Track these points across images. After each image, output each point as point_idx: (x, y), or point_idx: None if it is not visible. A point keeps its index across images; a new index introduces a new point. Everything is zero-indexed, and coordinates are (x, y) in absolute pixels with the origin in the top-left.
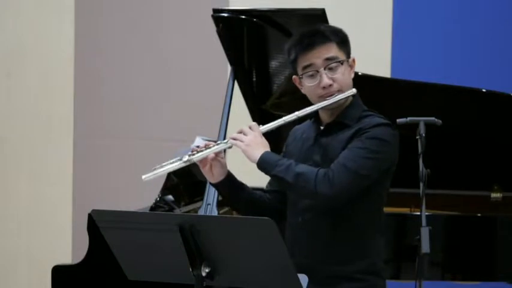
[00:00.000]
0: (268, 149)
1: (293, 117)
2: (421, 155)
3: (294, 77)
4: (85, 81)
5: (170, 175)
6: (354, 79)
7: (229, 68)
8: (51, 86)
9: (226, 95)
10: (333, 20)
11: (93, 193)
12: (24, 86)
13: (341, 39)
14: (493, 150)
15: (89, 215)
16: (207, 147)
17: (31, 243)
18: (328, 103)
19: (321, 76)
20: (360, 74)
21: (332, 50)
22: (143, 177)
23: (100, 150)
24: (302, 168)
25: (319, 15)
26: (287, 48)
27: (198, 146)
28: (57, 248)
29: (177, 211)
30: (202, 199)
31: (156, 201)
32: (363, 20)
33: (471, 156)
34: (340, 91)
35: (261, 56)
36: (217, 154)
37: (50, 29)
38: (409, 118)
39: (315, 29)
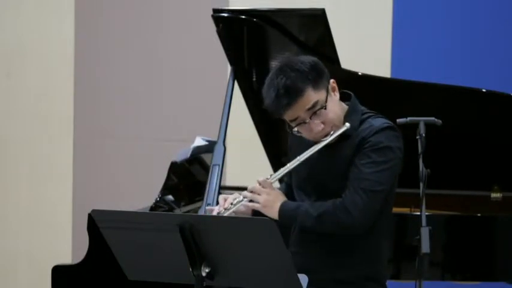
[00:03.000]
0: (282, 199)
1: (296, 163)
2: (421, 155)
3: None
4: (85, 81)
5: (170, 175)
6: (353, 79)
7: (229, 68)
8: (51, 86)
9: (226, 95)
10: (333, 20)
11: (93, 193)
12: (24, 86)
13: (314, 78)
14: (493, 150)
15: (89, 215)
16: (225, 209)
17: (31, 243)
18: (326, 143)
19: (310, 125)
20: (360, 74)
21: (311, 98)
22: None
23: (100, 150)
24: (319, 208)
25: (319, 15)
26: (266, 106)
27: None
28: (57, 248)
29: (177, 211)
30: (202, 199)
31: (156, 201)
32: (363, 20)
33: (471, 157)
34: (334, 126)
35: (261, 56)
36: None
37: (50, 29)
38: (409, 118)
39: (287, 81)
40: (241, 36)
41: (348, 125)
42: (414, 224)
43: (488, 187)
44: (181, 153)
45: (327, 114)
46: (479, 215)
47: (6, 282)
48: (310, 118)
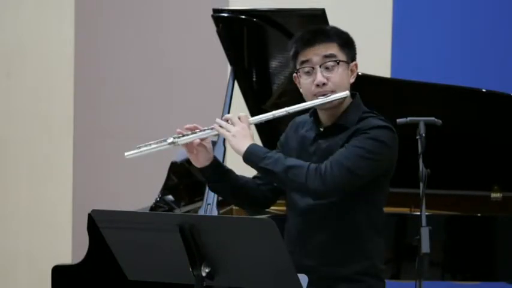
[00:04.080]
0: (254, 141)
1: (283, 113)
2: (421, 155)
3: (294, 74)
4: (85, 81)
5: (170, 175)
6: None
7: (229, 68)
8: (51, 86)
9: (226, 95)
10: (333, 20)
11: (93, 193)
12: (24, 86)
13: (344, 41)
14: (493, 150)
15: (89, 215)
16: (192, 131)
17: (31, 243)
18: (320, 102)
19: (315, 73)
20: (360, 74)
21: (331, 49)
22: (126, 154)
23: (100, 150)
24: (292, 161)
25: (319, 15)
26: (289, 43)
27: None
28: (57, 248)
29: (177, 211)
30: (202, 199)
31: (156, 201)
32: (363, 20)
33: (471, 157)
34: (334, 92)
35: (261, 56)
36: (202, 140)
37: (50, 29)
38: (409, 118)
39: (319, 27)
40: (241, 36)
41: (347, 92)
42: (414, 224)
43: (488, 187)
44: (181, 153)
45: (336, 73)
46: (479, 215)
47: (6, 282)
48: (320, 67)
